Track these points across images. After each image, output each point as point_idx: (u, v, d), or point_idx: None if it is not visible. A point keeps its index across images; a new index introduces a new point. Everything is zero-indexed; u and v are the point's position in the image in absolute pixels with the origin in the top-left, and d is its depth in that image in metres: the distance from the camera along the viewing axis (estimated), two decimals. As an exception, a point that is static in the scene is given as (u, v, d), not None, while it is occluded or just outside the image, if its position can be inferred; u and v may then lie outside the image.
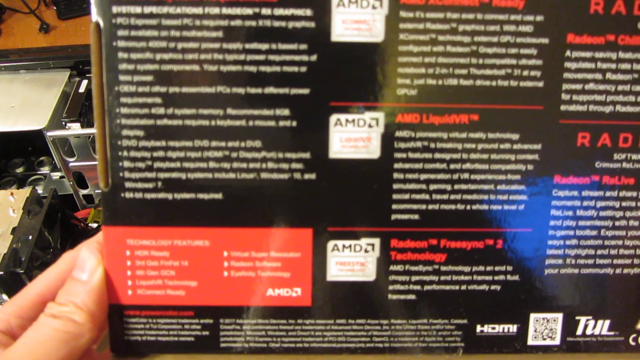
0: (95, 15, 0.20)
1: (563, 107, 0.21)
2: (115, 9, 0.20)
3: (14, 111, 0.49)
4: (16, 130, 0.47)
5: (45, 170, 0.54)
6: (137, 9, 0.20)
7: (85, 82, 0.51)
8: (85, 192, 0.50)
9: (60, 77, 0.52)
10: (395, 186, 0.21)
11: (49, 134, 0.46)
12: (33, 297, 0.21)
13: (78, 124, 0.47)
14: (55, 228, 0.43)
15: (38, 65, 0.53)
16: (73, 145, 0.47)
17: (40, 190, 0.50)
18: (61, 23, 0.88)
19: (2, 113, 0.49)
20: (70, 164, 0.48)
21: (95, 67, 0.20)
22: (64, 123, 0.47)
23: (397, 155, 0.21)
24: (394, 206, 0.21)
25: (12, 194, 0.44)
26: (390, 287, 0.22)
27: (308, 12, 0.20)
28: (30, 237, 0.40)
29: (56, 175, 0.53)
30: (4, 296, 0.39)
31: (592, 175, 0.21)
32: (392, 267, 0.22)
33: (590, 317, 0.23)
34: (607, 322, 0.23)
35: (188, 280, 0.21)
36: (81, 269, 0.21)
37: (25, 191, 0.44)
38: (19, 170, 0.54)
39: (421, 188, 0.21)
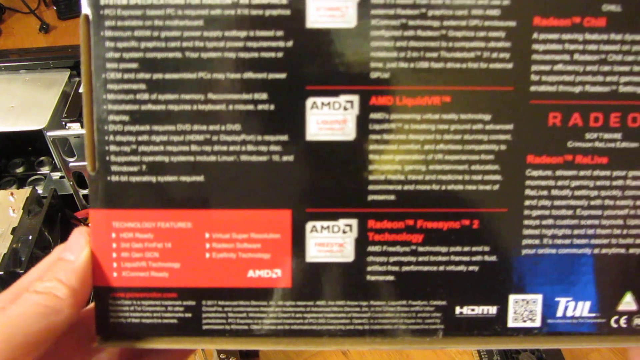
0: (85, 8, 0.21)
1: (533, 88, 0.22)
2: (103, 1, 0.21)
3: (14, 111, 0.51)
4: (16, 130, 0.49)
5: (45, 170, 0.56)
6: (124, 1, 0.21)
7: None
8: (85, 192, 0.52)
9: (60, 77, 0.54)
10: (371, 167, 0.22)
11: (49, 134, 0.48)
12: (26, 285, 0.23)
13: (78, 124, 0.49)
14: (55, 228, 0.45)
15: (38, 65, 0.55)
16: (73, 145, 0.49)
17: (40, 190, 0.52)
18: (61, 23, 0.91)
19: (2, 113, 0.50)
20: (70, 164, 0.50)
21: (84, 56, 0.22)
22: (64, 123, 0.49)
23: (372, 136, 0.22)
24: (370, 187, 0.22)
25: (12, 194, 0.45)
26: (369, 268, 0.23)
27: (284, 0, 0.21)
28: (30, 237, 0.42)
29: (56, 175, 0.55)
30: (4, 296, 0.41)
31: (565, 155, 0.22)
32: (370, 248, 0.23)
33: (570, 299, 0.23)
34: (588, 303, 0.23)
35: (171, 262, 0.23)
36: (69, 250, 0.22)
37: (25, 191, 0.45)
38: (19, 170, 0.55)
39: (396, 169, 0.22)
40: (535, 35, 0.22)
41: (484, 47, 0.22)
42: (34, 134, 0.48)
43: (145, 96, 0.22)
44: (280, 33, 0.21)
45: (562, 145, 0.22)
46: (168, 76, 0.22)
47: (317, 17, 0.21)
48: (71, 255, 0.22)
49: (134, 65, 0.22)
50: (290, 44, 0.22)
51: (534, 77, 0.22)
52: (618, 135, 0.22)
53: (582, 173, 0.22)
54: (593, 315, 0.23)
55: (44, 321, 0.20)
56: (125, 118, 0.22)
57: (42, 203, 0.44)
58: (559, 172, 0.22)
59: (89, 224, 0.23)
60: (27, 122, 0.49)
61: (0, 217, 0.43)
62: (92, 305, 0.23)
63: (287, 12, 0.21)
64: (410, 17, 0.21)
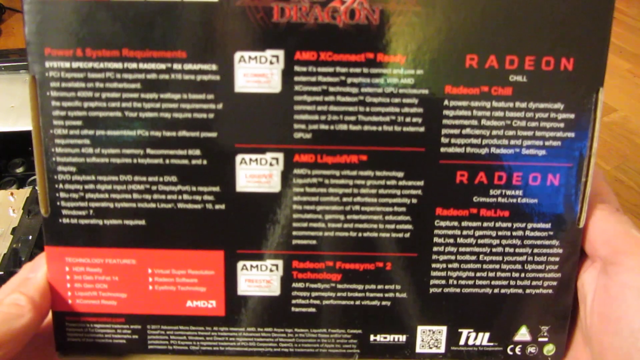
0: (31, 70, 0.24)
1: (442, 149, 0.25)
2: (47, 64, 0.24)
3: (14, 111, 0.51)
4: (16, 130, 0.50)
5: (45, 169, 0.57)
6: (67, 64, 0.24)
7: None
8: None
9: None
10: (295, 216, 0.26)
11: (49, 133, 0.49)
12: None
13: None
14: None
15: (38, 65, 0.56)
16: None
17: (40, 190, 0.53)
18: (61, 23, 0.91)
19: (2, 113, 0.51)
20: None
21: (33, 112, 0.25)
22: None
23: (296, 189, 0.25)
24: (294, 232, 0.26)
25: (12, 194, 0.46)
26: (293, 302, 0.27)
27: (214, 66, 0.24)
28: (30, 237, 0.42)
29: (56, 175, 0.56)
30: (4, 296, 0.44)
31: (471, 208, 0.26)
32: (294, 285, 0.27)
33: (471, 330, 0.27)
34: (487, 334, 0.27)
35: (118, 292, 0.27)
36: (32, 270, 0.26)
37: (25, 191, 0.46)
38: (19, 170, 0.55)
39: (317, 218, 0.26)
40: (446, 102, 0.24)
41: (399, 112, 0.24)
42: (34, 134, 0.49)
43: (90, 150, 0.25)
44: (211, 96, 0.24)
45: (468, 200, 0.26)
46: (110, 133, 0.25)
47: (244, 82, 0.24)
48: (32, 274, 0.26)
49: (79, 123, 0.25)
50: (220, 106, 0.24)
51: (444, 140, 0.25)
52: (520, 192, 0.25)
53: (485, 224, 0.26)
54: (492, 344, 0.27)
55: (5, 326, 0.24)
56: (73, 169, 0.25)
57: (42, 203, 0.46)
58: (464, 223, 0.26)
59: (46, 259, 0.26)
60: (27, 122, 0.48)
61: (0, 217, 0.44)
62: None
63: (217, 77, 0.24)
64: (331, 84, 0.24)
